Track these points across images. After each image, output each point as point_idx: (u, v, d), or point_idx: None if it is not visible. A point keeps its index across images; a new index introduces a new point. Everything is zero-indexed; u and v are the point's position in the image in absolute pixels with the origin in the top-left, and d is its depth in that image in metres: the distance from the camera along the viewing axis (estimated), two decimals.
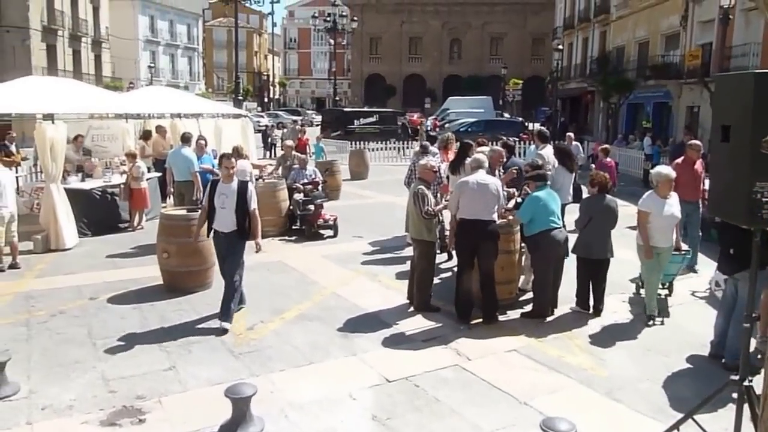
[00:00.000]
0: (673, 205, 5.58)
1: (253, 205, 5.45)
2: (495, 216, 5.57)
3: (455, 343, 5.09)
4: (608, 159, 10.93)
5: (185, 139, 9.07)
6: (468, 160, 6.22)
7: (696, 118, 20.02)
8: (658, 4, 23.29)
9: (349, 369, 4.65)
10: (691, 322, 5.64)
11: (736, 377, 3.12)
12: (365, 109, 33.80)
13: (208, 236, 5.71)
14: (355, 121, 26.21)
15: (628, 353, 4.96)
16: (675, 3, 21.89)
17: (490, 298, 5.57)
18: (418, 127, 28.19)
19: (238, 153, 8.97)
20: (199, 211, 6.75)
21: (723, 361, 4.64)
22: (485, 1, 53.25)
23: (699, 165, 7.18)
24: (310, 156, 13.58)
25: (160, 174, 10.61)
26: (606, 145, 12.42)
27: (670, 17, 22.40)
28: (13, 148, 11.94)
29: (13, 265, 7.25)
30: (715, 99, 3.43)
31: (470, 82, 50.17)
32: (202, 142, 9.26)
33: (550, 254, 5.61)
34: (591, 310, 5.83)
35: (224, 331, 5.24)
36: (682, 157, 7.27)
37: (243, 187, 5.43)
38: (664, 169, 5.78)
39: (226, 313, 5.37)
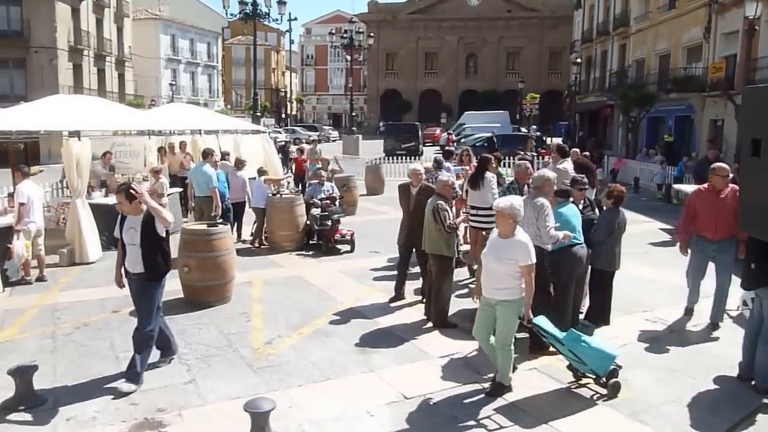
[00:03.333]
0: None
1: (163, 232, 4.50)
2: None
3: (474, 360, 5.03)
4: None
5: (206, 155, 9.25)
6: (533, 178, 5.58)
7: (720, 132, 19.68)
8: (679, 16, 23.09)
9: (366, 385, 4.62)
10: (718, 342, 5.49)
11: None
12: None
13: (120, 279, 4.71)
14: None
15: (653, 374, 4.83)
16: (697, 15, 21.68)
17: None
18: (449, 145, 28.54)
19: (259, 171, 9.16)
20: (219, 225, 6.86)
21: (753, 383, 4.50)
22: (501, 15, 53.45)
23: (729, 192, 5.49)
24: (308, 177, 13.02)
25: (181, 189, 10.82)
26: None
27: (691, 29, 22.17)
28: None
29: (40, 278, 7.43)
30: (743, 112, 3.38)
31: (487, 97, 50.22)
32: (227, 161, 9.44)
33: (570, 271, 5.53)
34: (603, 323, 5.76)
35: (123, 394, 4.31)
36: (706, 184, 5.83)
37: (150, 217, 4.45)
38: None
39: (131, 373, 4.42)
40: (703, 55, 21.37)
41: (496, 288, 4.23)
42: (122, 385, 4.39)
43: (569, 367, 4.54)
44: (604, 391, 4.37)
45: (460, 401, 4.33)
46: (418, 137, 30.43)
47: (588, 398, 4.39)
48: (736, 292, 6.20)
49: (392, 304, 6.55)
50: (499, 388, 4.38)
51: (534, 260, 4.18)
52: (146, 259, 4.48)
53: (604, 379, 4.34)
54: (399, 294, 6.66)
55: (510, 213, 4.17)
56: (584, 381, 4.48)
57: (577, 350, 4.29)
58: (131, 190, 4.41)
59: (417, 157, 24.35)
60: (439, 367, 4.91)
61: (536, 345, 5.18)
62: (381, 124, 36.71)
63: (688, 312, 6.14)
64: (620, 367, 4.42)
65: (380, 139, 31.90)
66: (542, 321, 4.41)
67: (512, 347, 4.32)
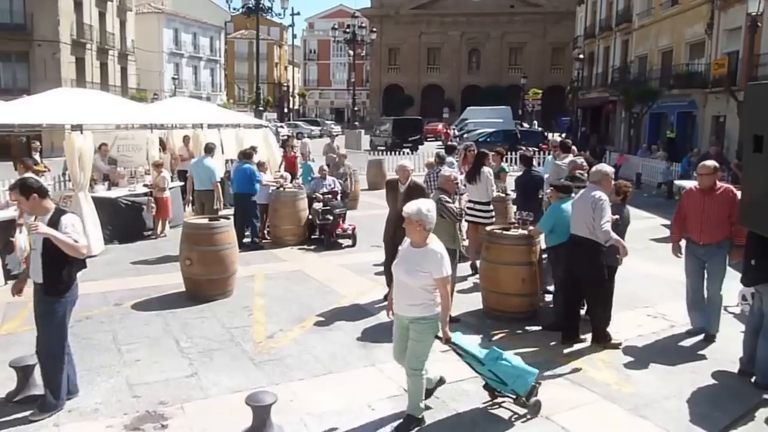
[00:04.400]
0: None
1: (79, 238, 3.85)
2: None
3: None
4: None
5: (208, 149, 9.28)
6: (592, 171, 5.42)
7: (722, 128, 19.62)
8: (681, 12, 22.98)
9: (368, 379, 4.64)
10: (720, 337, 5.48)
11: None
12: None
13: (17, 286, 4.22)
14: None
15: (654, 369, 4.84)
16: (699, 11, 21.58)
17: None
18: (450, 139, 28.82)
19: (259, 165, 9.18)
20: (221, 219, 6.87)
21: (753, 379, 4.50)
22: (504, 11, 53.22)
23: (720, 193, 5.07)
24: (298, 176, 12.44)
25: (182, 183, 10.84)
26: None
27: (694, 26, 22.07)
28: (37, 157, 12.29)
29: None
30: (745, 108, 3.37)
31: (489, 93, 50.04)
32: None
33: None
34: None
35: (30, 421, 3.87)
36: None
37: (54, 221, 3.82)
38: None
39: (43, 404, 3.95)
40: (705, 51, 21.28)
41: (408, 304, 3.71)
42: (37, 417, 3.88)
43: (485, 386, 4.14)
44: (523, 411, 4.03)
45: (460, 395, 4.34)
46: (422, 131, 32.29)
47: (589, 393, 4.39)
48: (734, 288, 6.19)
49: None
50: (409, 423, 3.80)
51: (449, 272, 3.68)
52: (46, 270, 3.84)
53: (524, 399, 3.96)
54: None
55: (417, 219, 3.63)
56: (500, 400, 4.13)
57: (498, 369, 3.93)
58: (28, 184, 3.84)
59: (414, 152, 24.72)
60: (440, 362, 4.91)
61: (572, 334, 5.21)
62: (382, 118, 37.15)
63: (691, 333, 5.54)
64: (539, 384, 4.07)
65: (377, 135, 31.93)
66: (461, 339, 4.01)
67: (424, 372, 3.79)
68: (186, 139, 12.08)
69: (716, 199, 5.07)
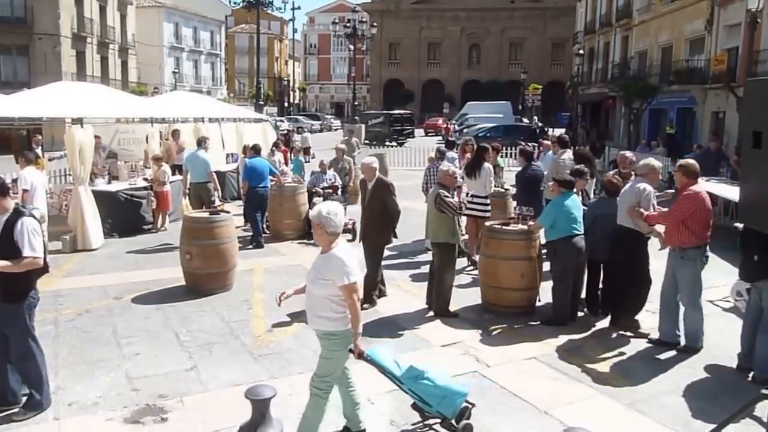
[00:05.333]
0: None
1: (28, 251, 3.64)
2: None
3: (474, 350, 5.06)
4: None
5: (200, 142, 9.32)
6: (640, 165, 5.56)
7: (721, 124, 19.60)
8: (682, 8, 22.91)
9: (366, 373, 4.62)
10: (717, 333, 5.49)
11: (767, 391, 3.04)
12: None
13: None
14: None
15: (652, 364, 4.86)
16: (699, 7, 21.52)
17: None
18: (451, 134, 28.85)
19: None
20: (221, 213, 6.87)
21: (751, 374, 4.52)
22: (504, 6, 53.06)
23: (686, 196, 4.83)
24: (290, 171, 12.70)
25: (182, 177, 10.83)
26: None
27: (694, 21, 22.02)
28: (39, 151, 12.26)
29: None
30: (744, 104, 3.36)
31: (489, 87, 50.01)
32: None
33: (569, 261, 5.56)
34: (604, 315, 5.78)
35: (12, 421, 3.82)
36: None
37: (10, 222, 3.67)
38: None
39: (29, 403, 3.89)
40: (705, 48, 21.24)
41: (315, 315, 3.42)
42: (17, 416, 3.85)
43: (413, 406, 3.70)
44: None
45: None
46: (413, 125, 33.74)
47: (587, 388, 4.41)
48: (722, 281, 6.18)
49: (387, 295, 6.51)
50: None
51: (354, 279, 3.27)
52: (1, 278, 3.64)
53: (452, 422, 3.55)
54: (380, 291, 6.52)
55: (317, 222, 3.34)
56: (432, 421, 3.80)
57: (419, 389, 3.54)
58: None
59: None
60: (440, 356, 4.94)
61: (623, 318, 5.35)
62: (373, 112, 37.43)
63: (657, 343, 5.15)
64: (473, 405, 3.67)
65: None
66: (378, 354, 3.63)
67: (325, 396, 3.45)
68: (176, 134, 12.05)
69: (680, 200, 4.89)
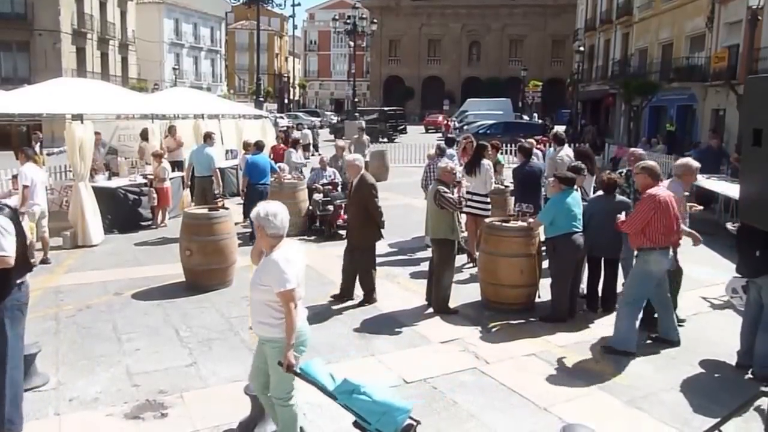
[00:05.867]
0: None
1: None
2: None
3: (473, 346, 5.08)
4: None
5: (207, 137, 9.50)
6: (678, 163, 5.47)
7: (722, 122, 19.58)
8: (682, 5, 22.86)
9: (366, 370, 4.66)
10: (716, 330, 5.52)
11: (766, 388, 3.05)
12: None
13: None
14: None
15: (651, 361, 4.87)
16: (700, 4, 21.47)
17: None
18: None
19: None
20: (221, 209, 6.88)
21: (751, 371, 4.53)
22: (505, 3, 52.93)
23: (645, 197, 4.73)
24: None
25: (182, 174, 10.84)
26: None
27: (694, 19, 21.98)
28: (37, 148, 12.25)
29: (45, 260, 7.47)
30: (745, 102, 3.36)
31: (489, 84, 49.95)
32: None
33: (569, 257, 5.57)
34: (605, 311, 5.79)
35: None
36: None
37: None
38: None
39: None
40: (705, 45, 21.20)
41: (257, 321, 3.30)
42: None
43: (354, 424, 3.29)
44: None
45: (460, 386, 4.37)
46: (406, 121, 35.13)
47: (587, 385, 4.43)
48: (722, 279, 6.16)
49: (390, 292, 6.53)
50: None
51: (292, 286, 3.11)
52: None
53: None
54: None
55: (257, 223, 3.22)
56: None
57: (354, 405, 3.21)
58: None
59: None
60: (439, 353, 4.95)
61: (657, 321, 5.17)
62: (366, 109, 37.90)
63: (656, 340, 5.15)
64: (418, 422, 3.31)
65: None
66: (310, 368, 3.33)
67: (292, 401, 3.33)
68: (172, 130, 12.05)
69: (639, 202, 4.84)
